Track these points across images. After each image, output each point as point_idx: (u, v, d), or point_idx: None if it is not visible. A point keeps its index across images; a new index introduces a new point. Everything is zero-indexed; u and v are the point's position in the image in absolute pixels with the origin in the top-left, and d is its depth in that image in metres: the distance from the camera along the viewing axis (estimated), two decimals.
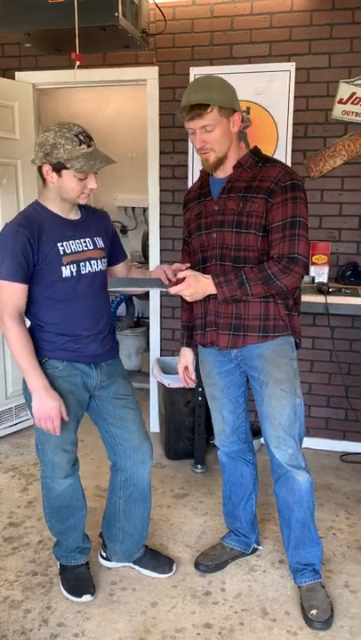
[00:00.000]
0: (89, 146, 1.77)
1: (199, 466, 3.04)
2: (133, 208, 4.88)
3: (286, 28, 2.95)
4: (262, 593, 2.13)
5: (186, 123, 1.82)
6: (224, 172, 1.92)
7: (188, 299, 1.90)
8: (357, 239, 3.06)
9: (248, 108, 3.04)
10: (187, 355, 2.19)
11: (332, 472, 3.02)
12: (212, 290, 1.86)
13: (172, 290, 1.86)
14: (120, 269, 2.19)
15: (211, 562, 2.26)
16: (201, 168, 2.04)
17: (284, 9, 2.92)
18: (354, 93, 2.93)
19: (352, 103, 2.95)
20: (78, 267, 1.86)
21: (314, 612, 1.98)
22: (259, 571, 2.26)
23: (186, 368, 2.19)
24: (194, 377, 2.20)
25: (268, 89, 3.01)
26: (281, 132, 3.04)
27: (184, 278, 1.85)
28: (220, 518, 2.51)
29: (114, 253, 2.11)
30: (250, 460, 2.23)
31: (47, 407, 1.83)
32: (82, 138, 1.75)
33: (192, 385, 2.21)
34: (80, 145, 1.74)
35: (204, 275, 1.88)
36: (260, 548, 2.36)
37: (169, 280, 1.92)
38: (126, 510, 2.12)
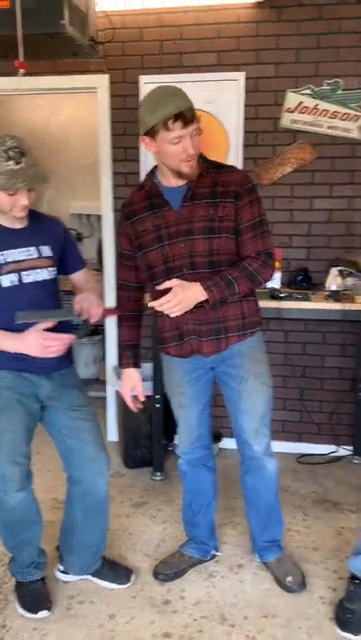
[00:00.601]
0: (17, 162, 1.72)
1: (158, 473, 3.03)
2: (88, 215, 4.84)
3: (234, 38, 2.99)
4: (221, 599, 2.14)
5: (180, 130, 1.74)
6: (180, 180, 1.89)
7: (175, 311, 1.78)
8: (307, 245, 3.13)
9: (199, 117, 3.04)
10: (133, 376, 2.10)
11: (290, 474, 3.06)
12: (201, 296, 1.82)
13: (156, 303, 1.77)
14: (78, 278, 2.11)
15: (170, 570, 2.26)
16: (146, 178, 1.98)
17: (232, 19, 2.97)
18: (301, 102, 3.00)
19: (300, 112, 3.02)
20: (20, 276, 1.83)
21: (290, 578, 2.17)
22: (217, 577, 2.26)
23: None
24: (143, 397, 2.09)
25: (218, 98, 3.04)
26: (232, 140, 3.08)
27: (166, 291, 1.77)
28: (179, 525, 2.51)
29: (68, 262, 2.06)
30: (211, 466, 2.24)
31: (32, 345, 1.78)
32: (11, 154, 1.71)
33: (140, 407, 2.10)
34: (7, 161, 1.70)
35: (190, 282, 1.82)
36: (218, 554, 2.36)
37: (111, 309, 1.80)
38: (83, 522, 2.09)
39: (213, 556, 2.34)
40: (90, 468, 2.02)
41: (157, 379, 2.88)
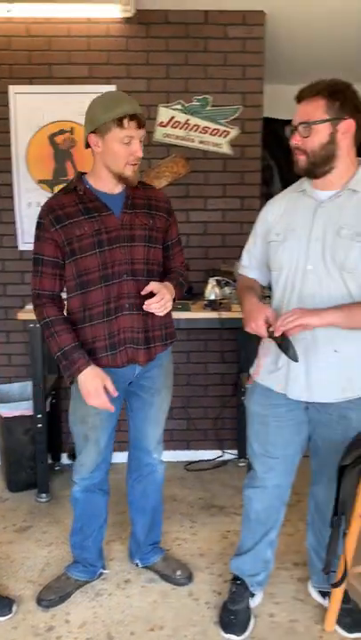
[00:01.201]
0: None
1: (43, 495, 2.92)
2: None
3: (105, 51, 3.00)
4: (108, 617, 2.10)
5: (133, 130, 1.80)
6: (118, 187, 1.91)
7: (168, 307, 1.88)
8: (186, 256, 3.13)
9: (72, 129, 3.03)
10: (100, 373, 1.86)
11: (177, 482, 3.09)
12: (173, 294, 1.93)
13: (152, 301, 1.84)
14: None
15: (54, 595, 2.18)
16: (75, 182, 1.91)
17: (101, 33, 2.97)
18: (173, 117, 3.07)
19: (172, 127, 3.09)
20: None
21: (179, 572, 2.27)
22: (104, 595, 2.22)
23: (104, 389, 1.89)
24: (116, 393, 1.90)
25: None
26: None
27: (149, 296, 1.85)
28: (65, 546, 2.43)
29: None
30: (106, 490, 2.20)
31: None
32: None
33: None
34: None
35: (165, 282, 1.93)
36: (106, 571, 2.32)
37: None
38: None
39: (101, 574, 2.30)
40: None
41: (37, 398, 2.79)
